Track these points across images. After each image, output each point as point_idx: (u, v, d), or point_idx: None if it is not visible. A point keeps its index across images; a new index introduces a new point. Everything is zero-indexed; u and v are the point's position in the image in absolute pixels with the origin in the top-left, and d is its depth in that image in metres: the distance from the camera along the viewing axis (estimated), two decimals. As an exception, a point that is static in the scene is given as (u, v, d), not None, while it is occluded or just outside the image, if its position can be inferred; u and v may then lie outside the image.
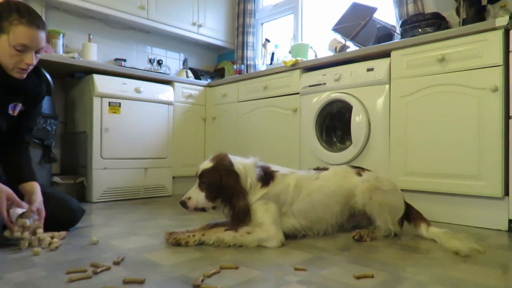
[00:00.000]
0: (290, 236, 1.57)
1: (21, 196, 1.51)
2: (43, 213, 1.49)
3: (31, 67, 1.47)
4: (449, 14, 2.49)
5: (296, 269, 1.16)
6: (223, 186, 1.48)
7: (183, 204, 1.53)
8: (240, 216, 1.46)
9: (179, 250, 1.38)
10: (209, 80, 3.62)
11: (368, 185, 1.59)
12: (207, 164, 1.54)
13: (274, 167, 1.65)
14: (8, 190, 1.39)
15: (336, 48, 2.83)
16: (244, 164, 1.57)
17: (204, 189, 1.52)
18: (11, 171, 1.60)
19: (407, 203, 1.69)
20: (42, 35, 1.44)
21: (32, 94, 1.61)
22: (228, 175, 1.49)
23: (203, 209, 1.55)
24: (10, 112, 1.55)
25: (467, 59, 1.91)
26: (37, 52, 1.45)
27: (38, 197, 1.51)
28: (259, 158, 1.64)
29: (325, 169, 1.74)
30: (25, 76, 1.48)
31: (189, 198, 1.53)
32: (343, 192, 1.62)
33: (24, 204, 1.44)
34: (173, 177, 3.18)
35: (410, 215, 1.68)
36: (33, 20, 1.40)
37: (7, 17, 1.36)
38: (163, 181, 3.10)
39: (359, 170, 1.71)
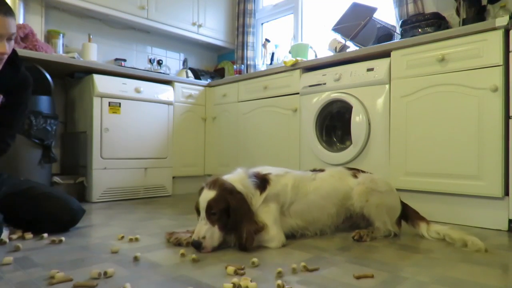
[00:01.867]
0: (289, 236, 1.56)
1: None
2: None
3: (5, 56, 1.43)
4: (449, 14, 2.49)
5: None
6: (232, 210, 1.36)
7: (198, 245, 1.34)
8: (251, 239, 1.35)
9: (179, 250, 1.38)
10: (209, 80, 3.62)
11: (364, 188, 1.59)
12: (208, 194, 1.38)
13: (265, 170, 1.60)
14: None
15: (336, 48, 2.83)
16: (240, 180, 1.47)
17: (215, 221, 1.36)
18: None
19: (403, 203, 1.70)
20: (10, 21, 1.39)
21: (10, 87, 1.58)
22: (234, 198, 1.38)
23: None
24: None
25: (467, 59, 1.91)
26: (8, 39, 1.42)
27: None
28: (246, 167, 1.56)
29: (322, 170, 1.74)
30: (0, 66, 1.45)
31: (204, 238, 1.34)
32: (338, 194, 1.62)
33: None
34: (173, 177, 3.18)
35: (407, 214, 1.68)
36: None
37: None
38: (163, 181, 3.10)
39: (355, 172, 1.71)
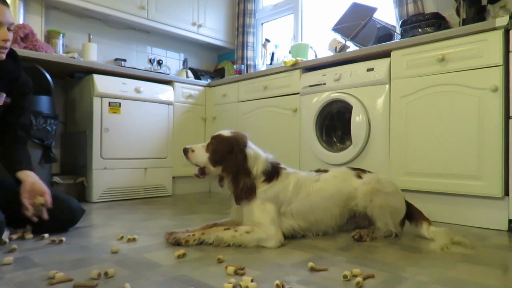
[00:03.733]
0: (290, 237, 1.56)
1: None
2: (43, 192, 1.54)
3: (8, 44, 1.50)
4: (449, 14, 2.49)
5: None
6: (231, 159, 1.52)
7: (185, 151, 1.59)
8: (244, 192, 1.48)
9: (179, 250, 1.38)
10: (209, 80, 3.62)
11: (369, 188, 1.58)
12: (226, 132, 1.59)
13: (282, 165, 1.66)
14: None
15: (336, 48, 2.83)
16: (257, 153, 1.59)
17: (210, 151, 1.56)
18: (5, 165, 1.63)
19: (408, 202, 1.69)
20: (8, 11, 1.48)
21: (14, 80, 1.62)
22: (239, 152, 1.52)
23: (202, 172, 1.59)
24: None
25: (467, 59, 1.91)
26: (9, 29, 1.49)
27: (26, 185, 1.53)
28: (273, 156, 1.65)
29: (326, 170, 1.74)
30: (4, 56, 1.52)
31: (193, 151, 1.57)
32: (342, 195, 1.62)
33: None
34: (173, 177, 3.18)
35: (412, 214, 1.67)
36: None
37: None
38: (163, 181, 3.10)
39: (360, 172, 1.70)
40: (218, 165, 1.56)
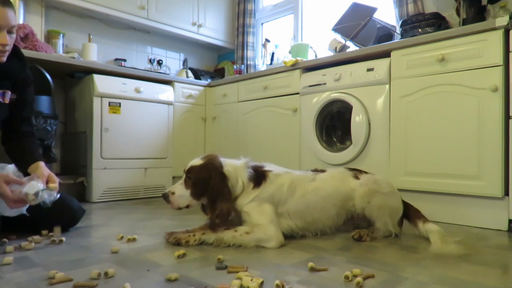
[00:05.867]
0: (289, 237, 1.56)
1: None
2: (55, 179, 1.50)
3: (7, 48, 1.43)
4: (449, 14, 2.49)
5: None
6: (211, 185, 1.47)
7: (165, 197, 1.50)
8: (222, 218, 1.44)
9: (179, 250, 1.38)
10: (209, 80, 3.63)
11: (366, 189, 1.58)
12: (197, 161, 1.53)
13: (267, 167, 1.64)
14: (2, 174, 1.38)
15: (336, 48, 2.83)
16: (235, 165, 1.56)
17: (189, 186, 1.50)
18: (16, 160, 1.60)
19: (405, 202, 1.69)
20: (10, 13, 1.40)
21: (18, 79, 1.60)
22: (217, 175, 1.48)
23: (186, 206, 1.53)
24: (0, 99, 1.54)
25: (467, 59, 1.91)
26: (9, 32, 1.42)
27: (44, 171, 1.50)
28: (250, 158, 1.63)
29: (323, 170, 1.74)
30: (4, 59, 1.46)
31: (173, 193, 1.50)
32: (340, 196, 1.61)
33: (24, 179, 1.41)
34: (173, 177, 3.17)
35: (409, 213, 1.67)
36: None
37: None
38: (163, 181, 3.10)
39: (356, 173, 1.70)
40: (202, 197, 1.52)
